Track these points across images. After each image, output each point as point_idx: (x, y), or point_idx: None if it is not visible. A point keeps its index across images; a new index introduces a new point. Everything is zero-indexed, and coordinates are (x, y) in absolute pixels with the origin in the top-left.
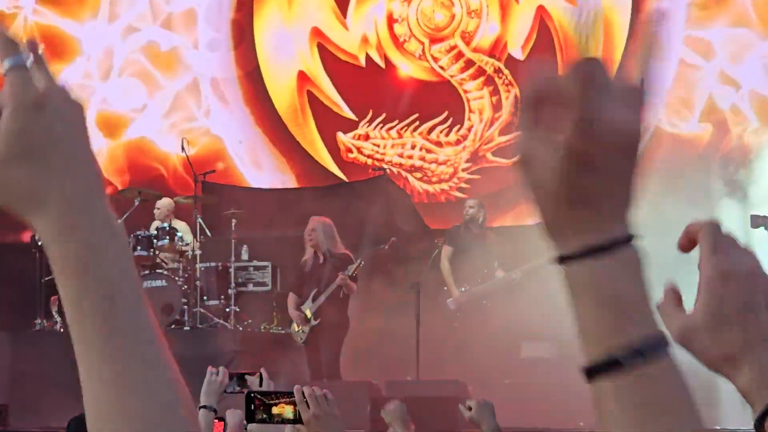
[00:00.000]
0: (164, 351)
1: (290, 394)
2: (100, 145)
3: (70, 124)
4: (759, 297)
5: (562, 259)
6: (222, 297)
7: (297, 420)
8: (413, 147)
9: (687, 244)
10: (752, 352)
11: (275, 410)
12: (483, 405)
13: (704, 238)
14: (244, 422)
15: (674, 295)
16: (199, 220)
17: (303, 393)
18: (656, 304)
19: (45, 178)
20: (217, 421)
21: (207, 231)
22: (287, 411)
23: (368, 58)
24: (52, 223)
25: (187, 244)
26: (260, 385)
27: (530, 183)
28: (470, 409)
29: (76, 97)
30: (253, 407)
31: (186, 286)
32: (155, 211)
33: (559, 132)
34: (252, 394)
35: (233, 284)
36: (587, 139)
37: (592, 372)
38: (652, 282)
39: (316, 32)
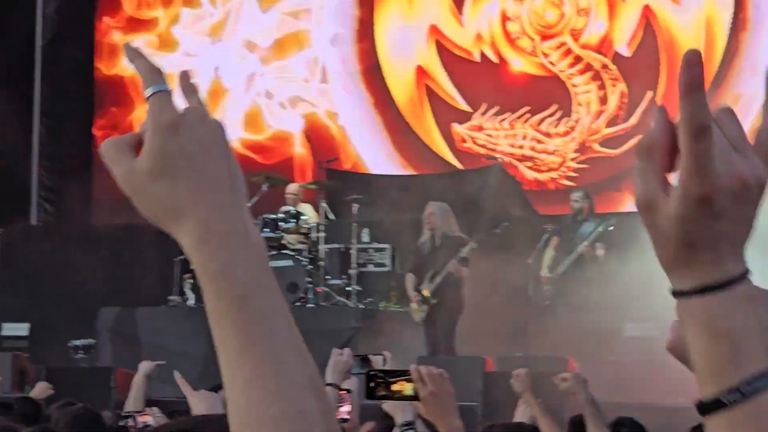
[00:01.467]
0: (303, 351)
1: (408, 372)
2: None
3: (206, 142)
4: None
5: (678, 294)
6: (344, 276)
7: (416, 397)
8: (524, 137)
9: None
10: None
11: (395, 387)
12: (578, 376)
13: None
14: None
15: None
16: (324, 204)
17: (420, 372)
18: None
19: (181, 193)
20: (345, 392)
21: (330, 214)
22: (407, 388)
23: (482, 53)
24: (190, 234)
25: (310, 227)
26: (385, 364)
27: (652, 227)
28: (565, 380)
29: (212, 117)
30: (373, 384)
31: (310, 266)
32: (287, 196)
33: (677, 179)
34: (372, 372)
35: (354, 264)
36: (705, 186)
37: (706, 408)
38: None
39: (434, 29)
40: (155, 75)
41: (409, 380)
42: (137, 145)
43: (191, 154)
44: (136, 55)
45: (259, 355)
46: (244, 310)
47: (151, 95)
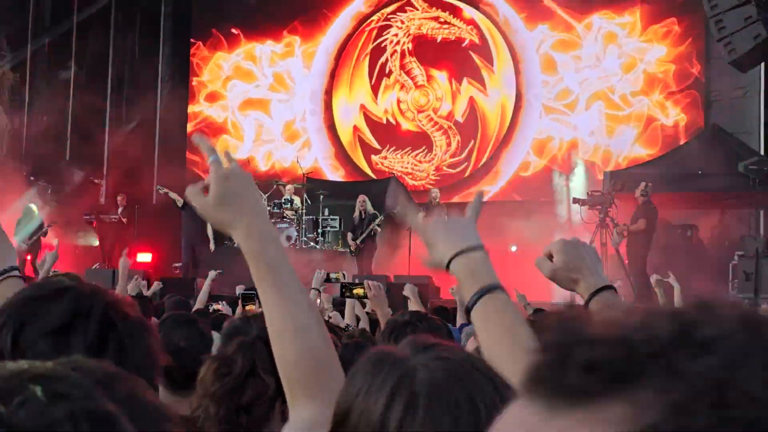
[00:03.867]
0: (303, 288)
1: (362, 284)
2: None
3: (245, 185)
4: (584, 255)
5: (448, 264)
6: (315, 233)
7: (365, 296)
8: (408, 163)
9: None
10: (584, 272)
11: (354, 291)
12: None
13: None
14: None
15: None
16: (305, 195)
17: (368, 284)
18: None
19: (235, 214)
20: (318, 293)
21: (308, 200)
22: (360, 292)
23: (387, 119)
24: (241, 235)
25: (298, 207)
26: (344, 278)
27: (425, 241)
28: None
29: (244, 170)
30: (344, 289)
31: (297, 227)
32: (287, 190)
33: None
34: (342, 283)
35: (320, 227)
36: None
37: (468, 308)
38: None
39: (362, 106)
40: (211, 150)
41: (361, 287)
42: (205, 188)
43: (237, 192)
44: (200, 138)
45: (282, 294)
46: (273, 272)
47: (211, 162)
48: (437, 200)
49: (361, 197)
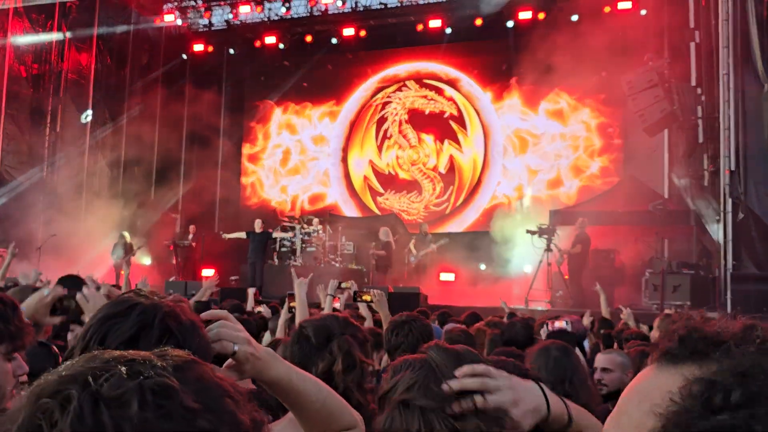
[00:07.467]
0: (321, 384)
1: (370, 291)
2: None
3: (271, 354)
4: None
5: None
6: (335, 254)
7: (371, 302)
8: (403, 203)
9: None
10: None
11: (364, 297)
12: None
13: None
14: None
15: None
16: (328, 227)
17: (373, 291)
18: None
19: (268, 363)
20: (337, 298)
21: (330, 230)
22: (368, 298)
23: (389, 171)
24: (278, 372)
25: (323, 235)
26: (352, 287)
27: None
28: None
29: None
30: (355, 295)
31: (322, 250)
32: (315, 222)
33: None
34: (354, 290)
35: (339, 251)
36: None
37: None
38: None
39: (371, 161)
40: (242, 340)
41: (369, 294)
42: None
43: (268, 350)
44: (217, 335)
45: (309, 401)
46: (297, 389)
47: (233, 353)
48: (426, 230)
49: (382, 229)
